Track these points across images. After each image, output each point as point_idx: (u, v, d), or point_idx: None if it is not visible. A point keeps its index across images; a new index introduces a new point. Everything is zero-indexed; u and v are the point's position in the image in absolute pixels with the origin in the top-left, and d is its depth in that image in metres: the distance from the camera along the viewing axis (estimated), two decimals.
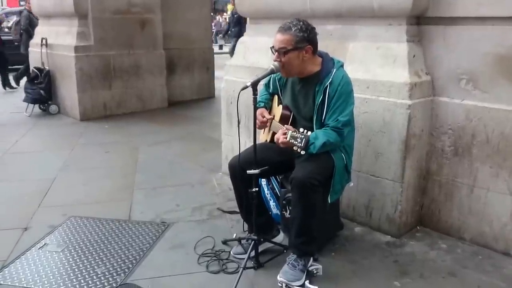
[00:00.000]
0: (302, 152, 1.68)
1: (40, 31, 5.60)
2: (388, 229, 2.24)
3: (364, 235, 2.27)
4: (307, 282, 1.81)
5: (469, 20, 2.03)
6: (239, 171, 1.93)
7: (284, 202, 2.14)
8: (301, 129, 1.69)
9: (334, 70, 1.85)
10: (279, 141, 1.74)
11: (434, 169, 2.25)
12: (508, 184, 2.00)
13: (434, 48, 2.18)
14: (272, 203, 2.34)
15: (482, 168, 2.07)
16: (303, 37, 1.79)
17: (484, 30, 2.00)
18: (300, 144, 1.66)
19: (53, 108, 5.17)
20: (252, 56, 2.88)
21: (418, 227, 2.33)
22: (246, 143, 2.64)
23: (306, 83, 1.92)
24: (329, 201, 1.89)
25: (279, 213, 2.26)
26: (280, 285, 1.82)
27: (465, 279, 1.88)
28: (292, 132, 1.70)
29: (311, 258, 1.91)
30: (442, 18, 2.13)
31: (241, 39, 3.09)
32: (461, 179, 2.15)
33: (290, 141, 1.69)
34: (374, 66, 2.22)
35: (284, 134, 1.72)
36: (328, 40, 2.41)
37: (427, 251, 2.11)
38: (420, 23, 2.21)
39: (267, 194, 2.35)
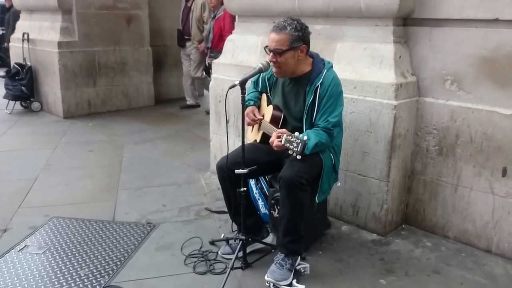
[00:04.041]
0: (298, 157, 1.69)
1: (22, 25, 5.43)
2: (374, 227, 2.27)
3: (351, 233, 2.29)
4: (294, 281, 1.81)
5: (454, 22, 2.07)
6: (228, 172, 1.91)
7: (272, 201, 2.13)
8: (296, 133, 1.70)
9: (325, 71, 1.86)
10: (273, 145, 1.74)
11: (419, 168, 2.29)
12: (491, 183, 2.05)
13: (420, 49, 2.21)
14: (260, 203, 2.33)
15: (465, 168, 2.11)
16: (298, 36, 1.79)
17: (468, 32, 2.04)
18: (296, 149, 1.66)
19: (35, 105, 5.03)
20: (241, 54, 2.87)
21: (403, 226, 2.37)
22: (235, 142, 2.63)
23: (297, 83, 1.92)
24: (317, 201, 1.90)
25: (267, 213, 2.26)
26: (268, 284, 1.81)
27: (449, 276, 1.92)
28: (287, 136, 1.70)
29: (299, 257, 1.91)
30: (428, 20, 2.16)
31: (229, 37, 3.06)
32: (445, 178, 2.19)
33: (285, 145, 1.69)
34: (361, 67, 2.24)
35: (278, 137, 1.72)
36: (316, 39, 2.42)
37: (412, 249, 2.15)
38: (406, 24, 2.23)
39: (256, 193, 2.34)
